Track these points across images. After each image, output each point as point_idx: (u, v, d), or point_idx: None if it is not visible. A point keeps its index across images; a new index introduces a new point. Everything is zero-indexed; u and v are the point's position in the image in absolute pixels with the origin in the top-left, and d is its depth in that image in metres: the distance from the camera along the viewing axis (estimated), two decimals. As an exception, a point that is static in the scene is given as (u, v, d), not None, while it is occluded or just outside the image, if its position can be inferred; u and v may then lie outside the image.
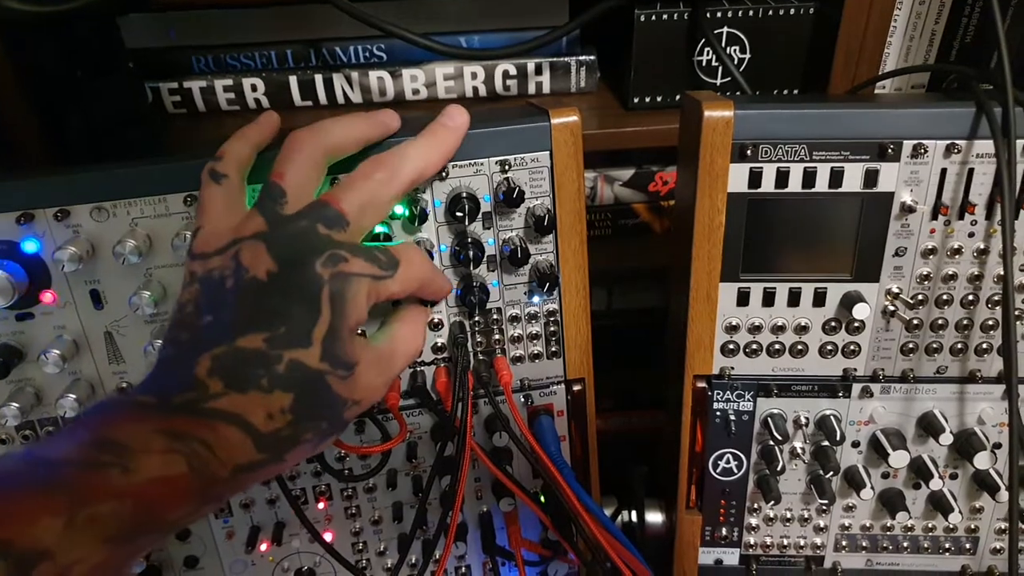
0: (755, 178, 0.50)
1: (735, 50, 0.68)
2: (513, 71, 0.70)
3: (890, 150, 0.49)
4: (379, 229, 0.48)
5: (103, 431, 0.34)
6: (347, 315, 0.39)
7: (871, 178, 0.49)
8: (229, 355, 0.37)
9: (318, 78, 0.70)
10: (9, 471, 0.33)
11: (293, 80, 0.70)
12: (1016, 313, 0.51)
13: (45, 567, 0.30)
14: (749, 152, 0.49)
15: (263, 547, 0.58)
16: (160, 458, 0.34)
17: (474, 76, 0.70)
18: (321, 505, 0.58)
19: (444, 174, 0.49)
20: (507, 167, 0.49)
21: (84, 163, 0.48)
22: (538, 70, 0.70)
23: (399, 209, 0.49)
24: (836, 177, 0.50)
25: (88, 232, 0.47)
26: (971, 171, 0.49)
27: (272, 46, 0.70)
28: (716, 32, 0.66)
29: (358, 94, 0.71)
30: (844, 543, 0.62)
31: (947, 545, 0.61)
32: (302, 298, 0.38)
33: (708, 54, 0.67)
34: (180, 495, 0.35)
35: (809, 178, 0.50)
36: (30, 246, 0.46)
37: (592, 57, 0.71)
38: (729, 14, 0.66)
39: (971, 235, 0.51)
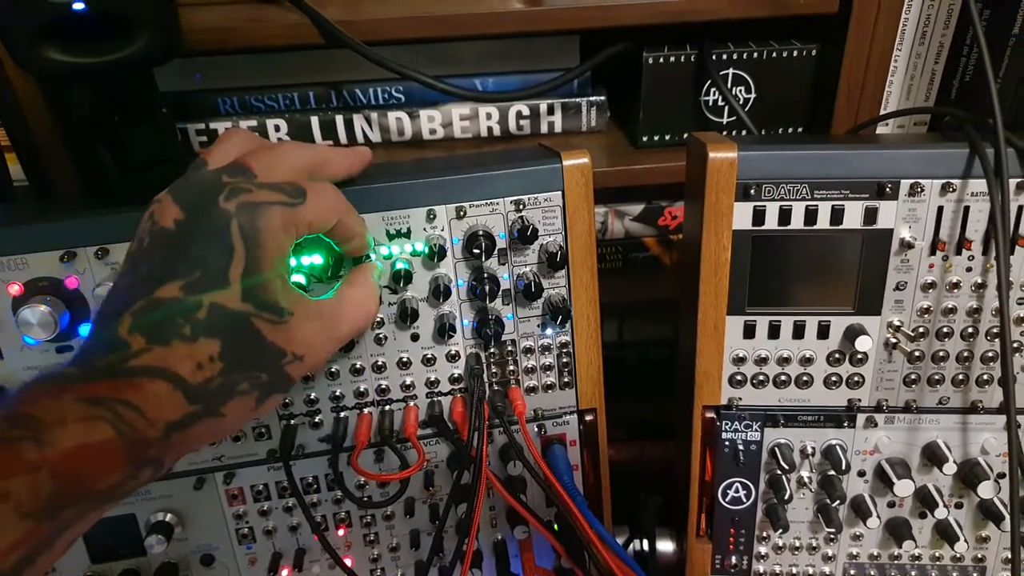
0: (759, 216, 0.52)
1: (740, 90, 0.70)
2: (526, 112, 0.72)
3: (888, 189, 0.51)
4: (401, 267, 0.51)
5: (19, 408, 0.34)
6: (263, 247, 0.38)
7: (871, 215, 0.52)
8: (148, 308, 0.37)
9: (339, 119, 0.72)
10: None
11: (315, 120, 0.72)
12: (1014, 345, 0.53)
13: None
14: (752, 191, 0.51)
15: (284, 573, 0.60)
16: (78, 426, 0.33)
17: (489, 116, 0.73)
18: (341, 532, 0.60)
19: (462, 213, 0.51)
20: (521, 206, 0.52)
21: (119, 202, 0.51)
22: (550, 111, 0.73)
23: (419, 247, 0.51)
24: (837, 215, 0.52)
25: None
26: (967, 209, 0.51)
27: (295, 88, 0.73)
28: (722, 73, 0.69)
29: (377, 134, 0.73)
30: (852, 572, 0.63)
31: (955, 574, 0.62)
32: (212, 237, 0.38)
33: (714, 94, 0.70)
34: (107, 461, 0.34)
35: (811, 216, 0.52)
36: (72, 282, 0.49)
37: (602, 98, 0.74)
38: (734, 56, 0.68)
39: (969, 270, 0.53)
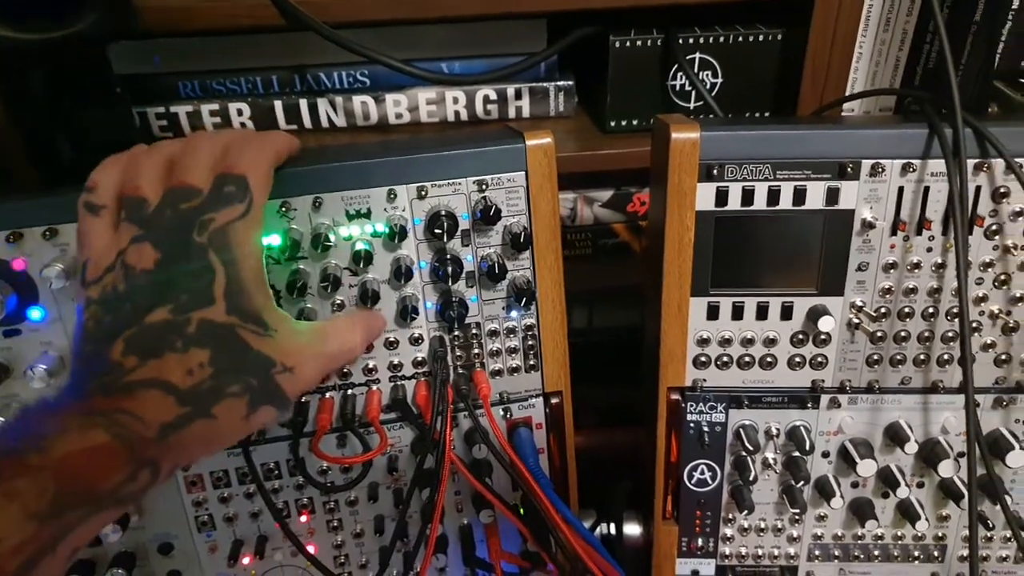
0: (722, 196, 0.52)
1: (707, 75, 0.70)
2: (493, 96, 0.72)
3: (850, 169, 0.51)
4: (361, 247, 0.50)
5: (21, 428, 0.36)
6: (240, 262, 0.41)
7: (832, 196, 0.52)
8: (140, 333, 0.39)
9: (303, 103, 0.71)
10: None
11: (278, 105, 0.71)
12: (973, 325, 0.53)
13: None
14: (715, 172, 0.51)
15: (246, 560, 0.59)
16: (77, 433, 0.36)
17: (455, 101, 0.72)
18: (304, 518, 0.59)
19: (423, 193, 0.50)
20: (484, 186, 0.51)
21: (72, 185, 0.50)
22: (518, 95, 0.72)
23: (380, 227, 0.51)
24: (799, 195, 0.52)
25: (75, 250, 0.48)
26: (926, 189, 0.51)
27: (258, 72, 0.71)
28: (688, 58, 0.69)
29: (342, 118, 0.72)
30: (817, 552, 0.63)
31: (916, 553, 0.63)
32: (194, 266, 0.40)
33: (681, 79, 0.70)
34: (106, 462, 0.36)
35: (773, 196, 0.52)
36: (19, 264, 0.48)
37: (570, 82, 0.73)
38: (701, 40, 0.68)
39: (929, 250, 0.53)
